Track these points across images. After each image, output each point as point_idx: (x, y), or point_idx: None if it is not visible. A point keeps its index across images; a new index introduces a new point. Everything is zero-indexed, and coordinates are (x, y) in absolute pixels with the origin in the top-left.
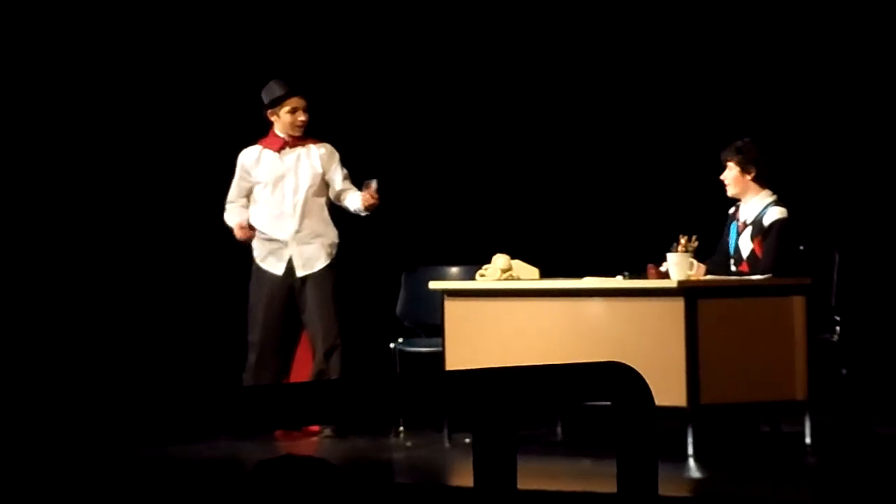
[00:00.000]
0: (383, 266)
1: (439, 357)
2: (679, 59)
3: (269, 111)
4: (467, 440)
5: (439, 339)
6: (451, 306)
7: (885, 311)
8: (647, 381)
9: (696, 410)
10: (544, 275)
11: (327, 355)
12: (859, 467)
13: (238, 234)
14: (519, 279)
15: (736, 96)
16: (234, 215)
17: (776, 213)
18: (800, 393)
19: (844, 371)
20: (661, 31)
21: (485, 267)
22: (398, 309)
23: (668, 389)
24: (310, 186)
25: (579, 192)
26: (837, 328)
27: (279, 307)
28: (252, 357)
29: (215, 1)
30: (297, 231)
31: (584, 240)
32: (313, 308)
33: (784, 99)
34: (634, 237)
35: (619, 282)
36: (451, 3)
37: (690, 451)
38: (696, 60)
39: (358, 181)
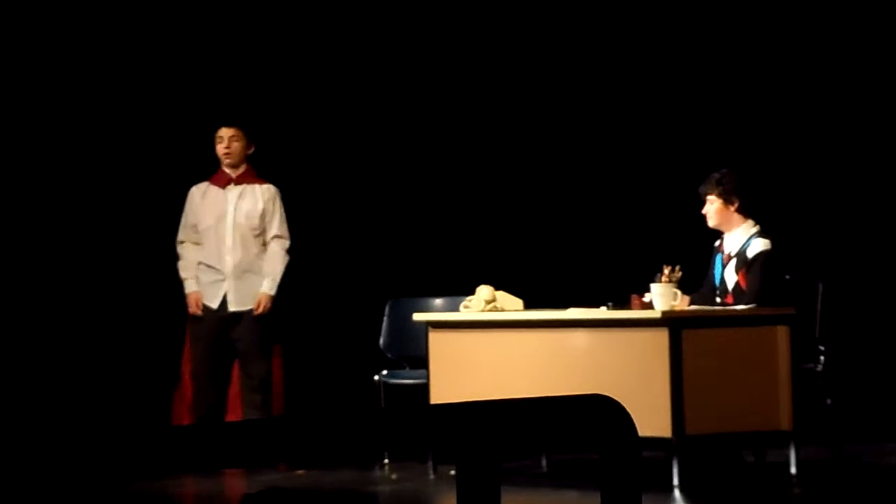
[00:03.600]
0: (366, 298)
1: (424, 389)
2: (661, 91)
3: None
4: (452, 472)
5: (424, 371)
6: (435, 338)
7: (869, 341)
8: (632, 411)
9: (681, 441)
10: (528, 306)
11: (258, 390)
12: (845, 498)
13: (190, 306)
14: (503, 310)
15: (719, 127)
16: (187, 272)
17: (760, 245)
18: (785, 423)
19: (829, 401)
20: (644, 63)
21: (469, 298)
22: (382, 341)
23: (653, 420)
24: (249, 224)
25: (563, 224)
26: (822, 358)
27: (213, 341)
28: (194, 391)
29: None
30: (235, 266)
31: (567, 271)
32: (248, 344)
33: (767, 130)
34: (618, 268)
35: (603, 312)
36: (437, 29)
37: (676, 481)
38: (678, 92)
39: (342, 209)
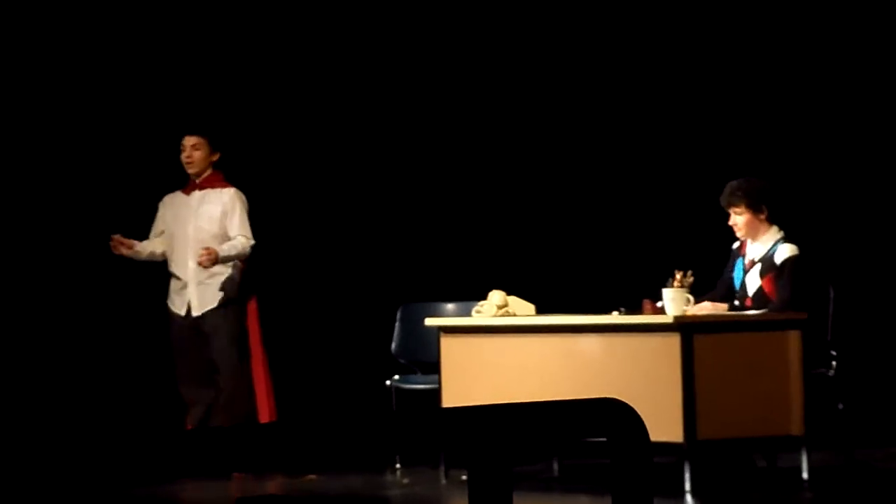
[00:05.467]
0: (379, 303)
1: (436, 394)
2: (671, 97)
3: None
4: (464, 477)
5: (435, 376)
6: (447, 343)
7: (880, 346)
8: (644, 416)
9: (693, 446)
10: (540, 311)
11: (226, 396)
12: (856, 502)
13: (115, 243)
14: (515, 315)
15: (729, 133)
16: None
17: (787, 251)
18: (796, 428)
19: (841, 406)
20: (655, 69)
21: (481, 303)
22: (394, 346)
23: (665, 425)
24: (209, 228)
25: (575, 229)
26: (833, 363)
27: (188, 346)
28: (182, 395)
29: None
30: (196, 271)
31: (579, 276)
32: (213, 349)
33: (777, 136)
34: (630, 273)
35: (615, 318)
36: (443, 29)
37: (687, 486)
38: (689, 98)
39: (354, 214)
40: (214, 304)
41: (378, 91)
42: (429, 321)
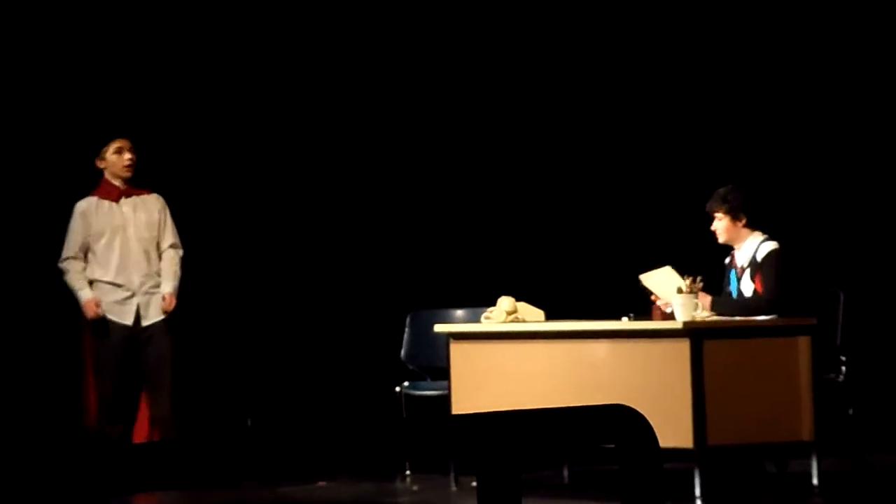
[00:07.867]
0: (388, 309)
1: (445, 400)
2: (681, 103)
3: (97, 159)
4: (473, 483)
5: (445, 383)
6: (456, 349)
7: (890, 351)
8: (654, 422)
9: (703, 452)
10: (550, 317)
11: (169, 403)
12: None
13: (89, 312)
14: (524, 321)
15: (737, 138)
16: (80, 282)
17: (767, 247)
18: (806, 433)
19: (851, 411)
20: (665, 75)
21: (490, 309)
22: (403, 352)
23: (675, 431)
24: (150, 235)
25: (584, 234)
26: (843, 368)
27: (128, 358)
28: (103, 411)
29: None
30: (142, 281)
31: (589, 281)
32: (152, 364)
33: (787, 140)
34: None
35: (624, 323)
36: (450, 36)
37: (698, 492)
38: (699, 104)
39: (363, 221)
40: (161, 316)
41: (390, 97)
42: (438, 327)
